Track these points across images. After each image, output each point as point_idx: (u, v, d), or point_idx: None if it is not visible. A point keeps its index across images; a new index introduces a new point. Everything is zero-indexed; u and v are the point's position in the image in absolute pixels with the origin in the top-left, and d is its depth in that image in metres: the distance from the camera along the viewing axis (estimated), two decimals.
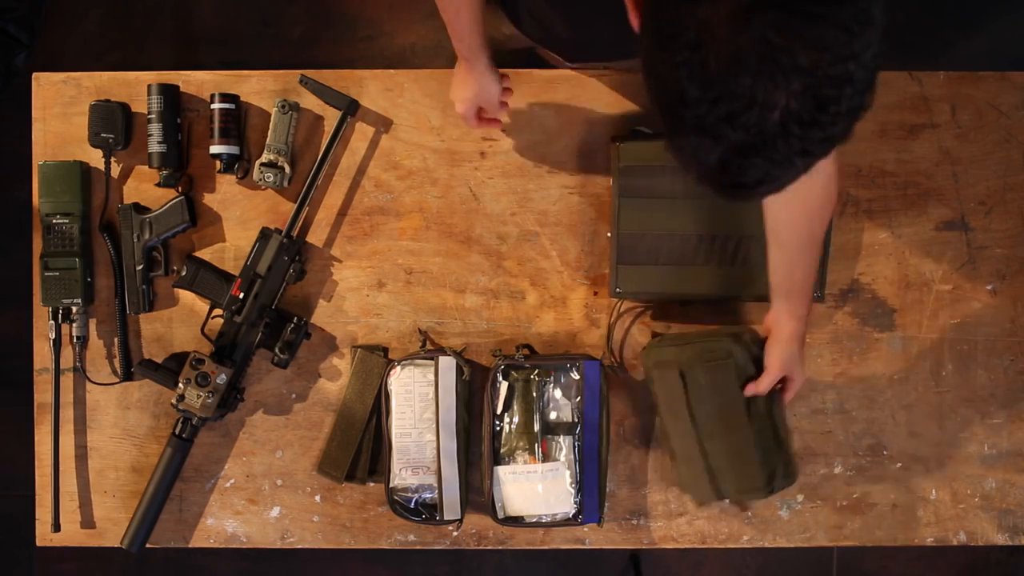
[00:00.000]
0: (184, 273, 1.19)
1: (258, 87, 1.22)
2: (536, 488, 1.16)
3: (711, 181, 0.66)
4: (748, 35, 0.57)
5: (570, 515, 1.17)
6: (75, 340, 1.21)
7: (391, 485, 1.17)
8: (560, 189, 1.22)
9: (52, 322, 1.20)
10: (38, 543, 1.24)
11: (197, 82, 1.22)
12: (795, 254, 1.04)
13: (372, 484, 1.22)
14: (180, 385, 1.16)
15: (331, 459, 1.21)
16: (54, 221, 1.19)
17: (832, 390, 1.23)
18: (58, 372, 1.21)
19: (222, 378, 1.16)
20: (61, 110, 1.23)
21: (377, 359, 1.20)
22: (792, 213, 1.00)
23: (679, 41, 0.59)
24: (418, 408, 1.16)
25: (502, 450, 1.17)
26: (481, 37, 1.07)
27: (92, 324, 1.23)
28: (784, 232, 1.03)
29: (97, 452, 1.24)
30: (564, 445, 1.17)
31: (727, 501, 1.20)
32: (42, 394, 1.23)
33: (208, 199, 1.23)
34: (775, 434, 1.12)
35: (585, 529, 1.22)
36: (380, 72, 1.23)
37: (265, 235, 1.19)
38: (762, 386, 1.09)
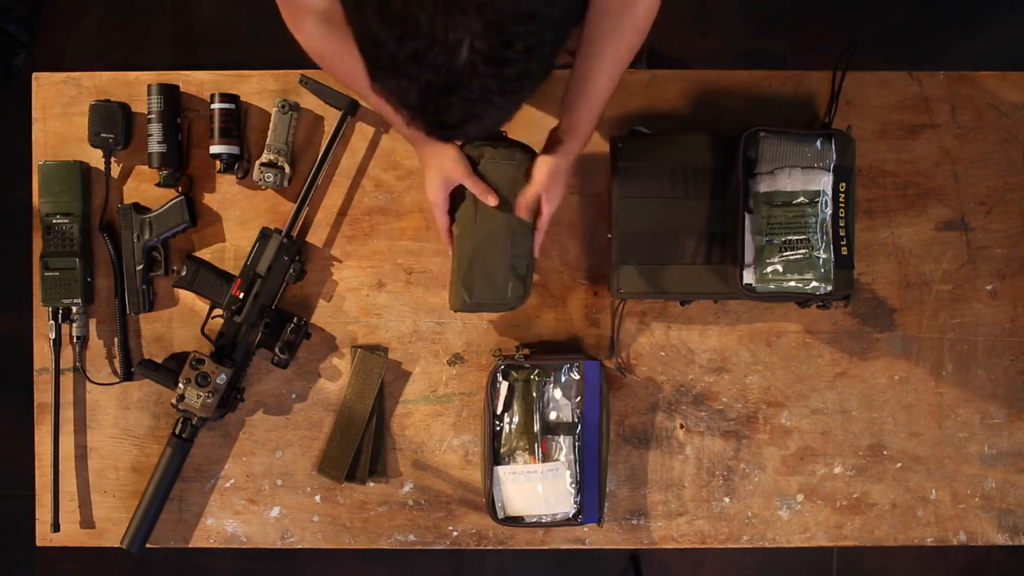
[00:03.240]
0: (184, 273, 1.19)
1: (258, 87, 1.22)
2: (536, 488, 1.16)
3: (418, 121, 0.65)
4: None
5: (570, 515, 1.17)
6: (75, 340, 1.21)
7: None
8: None
9: (52, 322, 1.20)
10: (38, 543, 1.24)
11: (197, 82, 1.22)
12: (606, 66, 0.98)
13: (372, 484, 1.22)
14: (180, 385, 1.16)
15: (331, 459, 1.21)
16: (54, 221, 1.19)
17: (832, 390, 1.23)
18: (58, 372, 1.21)
19: (222, 378, 1.16)
20: (61, 110, 1.23)
21: (377, 359, 1.20)
22: (620, 24, 0.95)
23: None
24: None
25: (502, 450, 1.17)
26: None
27: (92, 324, 1.23)
28: (604, 43, 0.96)
29: (97, 452, 1.24)
30: (564, 445, 1.17)
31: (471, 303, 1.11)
32: (42, 394, 1.23)
33: (208, 199, 1.23)
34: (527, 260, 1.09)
35: (585, 529, 1.22)
36: None
37: (265, 235, 1.19)
38: (528, 195, 1.04)
